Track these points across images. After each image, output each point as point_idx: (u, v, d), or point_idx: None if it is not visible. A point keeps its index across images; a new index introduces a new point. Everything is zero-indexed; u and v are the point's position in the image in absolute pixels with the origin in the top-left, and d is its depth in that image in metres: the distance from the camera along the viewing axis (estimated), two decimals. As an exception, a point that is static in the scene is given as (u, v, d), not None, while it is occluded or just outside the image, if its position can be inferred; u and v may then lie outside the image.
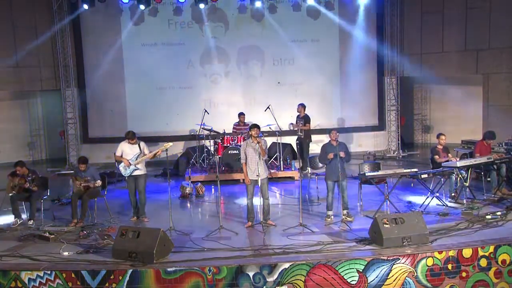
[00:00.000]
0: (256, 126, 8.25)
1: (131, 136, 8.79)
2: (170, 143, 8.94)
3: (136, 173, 8.77)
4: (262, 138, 8.86)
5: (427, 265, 6.65)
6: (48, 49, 14.61)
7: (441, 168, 9.08)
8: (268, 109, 11.79)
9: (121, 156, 8.79)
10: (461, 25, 13.89)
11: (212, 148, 12.72)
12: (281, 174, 11.78)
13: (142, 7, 13.91)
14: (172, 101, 14.92)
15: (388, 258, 6.59)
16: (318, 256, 6.68)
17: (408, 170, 8.89)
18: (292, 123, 12.40)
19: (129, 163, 8.69)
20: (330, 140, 8.47)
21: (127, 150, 8.79)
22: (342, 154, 8.24)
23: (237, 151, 11.25)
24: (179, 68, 14.87)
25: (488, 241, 7.00)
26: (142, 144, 8.88)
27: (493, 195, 9.42)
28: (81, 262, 6.72)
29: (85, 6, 13.78)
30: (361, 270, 6.52)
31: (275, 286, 6.45)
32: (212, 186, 10.70)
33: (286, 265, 6.46)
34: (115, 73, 14.80)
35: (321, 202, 9.43)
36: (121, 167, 8.83)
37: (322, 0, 14.60)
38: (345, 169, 8.51)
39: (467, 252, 6.73)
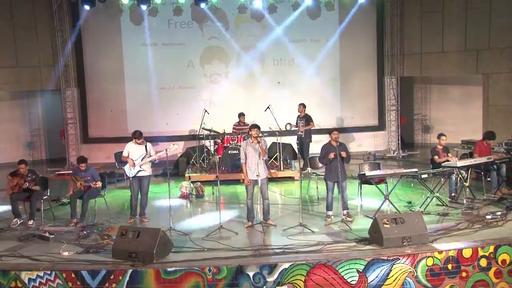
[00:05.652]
0: (256, 126, 8.25)
1: (138, 136, 8.77)
2: (176, 145, 8.98)
3: (141, 174, 8.76)
4: (262, 138, 8.84)
5: (427, 265, 6.65)
6: (48, 49, 14.60)
7: (441, 168, 9.08)
8: (268, 109, 11.78)
9: (127, 156, 8.78)
10: (461, 25, 13.89)
11: (212, 148, 12.72)
12: (281, 174, 11.78)
13: (143, 7, 13.89)
14: (172, 101, 14.93)
15: (388, 258, 6.60)
16: (318, 256, 6.69)
17: (408, 170, 8.90)
18: (289, 123, 12.37)
19: (134, 163, 8.68)
20: (330, 141, 8.47)
21: (133, 150, 8.78)
22: (343, 154, 8.24)
23: (237, 151, 11.24)
24: (179, 68, 14.86)
25: (488, 241, 7.00)
26: (148, 145, 8.87)
27: (493, 195, 9.41)
28: (81, 262, 6.72)
29: (87, 7, 13.82)
30: (361, 270, 6.52)
31: (275, 286, 6.45)
32: (212, 186, 10.70)
33: (286, 265, 6.46)
34: (115, 73, 14.80)
35: (321, 202, 9.43)
36: (126, 167, 8.82)
37: (322, 0, 14.63)
38: (345, 169, 8.50)
39: (467, 252, 6.73)
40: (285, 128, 12.37)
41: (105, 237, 7.60)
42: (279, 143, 11.98)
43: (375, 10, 15.07)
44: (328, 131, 8.56)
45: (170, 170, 11.14)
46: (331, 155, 8.24)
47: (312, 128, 12.42)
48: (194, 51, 14.87)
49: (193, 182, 10.80)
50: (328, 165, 8.42)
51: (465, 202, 8.93)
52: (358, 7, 14.67)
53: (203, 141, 12.64)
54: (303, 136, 12.25)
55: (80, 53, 14.72)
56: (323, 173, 8.90)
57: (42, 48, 14.57)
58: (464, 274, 6.72)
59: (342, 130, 14.47)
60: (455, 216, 8.29)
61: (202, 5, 13.89)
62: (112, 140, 14.45)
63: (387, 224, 7.02)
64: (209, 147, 12.70)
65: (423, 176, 8.90)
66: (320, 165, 10.00)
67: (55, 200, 10.05)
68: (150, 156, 8.77)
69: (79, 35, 14.61)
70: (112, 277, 6.44)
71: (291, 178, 11.76)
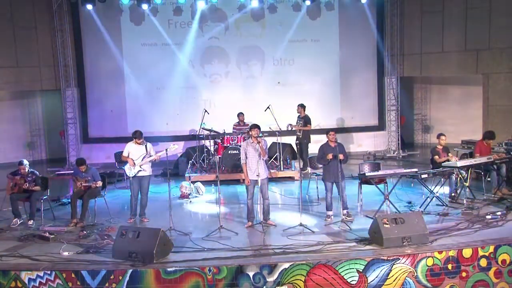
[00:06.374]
0: (256, 126, 8.25)
1: (138, 136, 8.78)
2: (176, 145, 8.99)
3: (141, 174, 8.76)
4: (262, 138, 8.84)
5: (427, 265, 6.65)
6: (48, 49, 14.61)
7: (441, 168, 9.08)
8: (268, 109, 11.78)
9: (128, 156, 8.78)
10: (461, 25, 13.88)
11: (212, 148, 12.72)
12: (281, 174, 11.78)
13: (144, 7, 13.89)
14: (172, 101, 14.93)
15: (388, 258, 6.59)
16: (318, 256, 6.69)
17: (408, 170, 8.90)
18: (290, 124, 12.39)
19: (134, 163, 8.68)
20: (327, 141, 8.45)
21: (133, 150, 8.79)
22: (341, 156, 8.23)
23: (237, 151, 11.24)
24: (179, 68, 14.86)
25: (488, 241, 7.00)
26: (149, 145, 8.89)
27: (493, 195, 9.41)
28: (81, 262, 6.72)
29: (89, 7, 13.83)
30: (361, 270, 6.52)
31: (275, 286, 6.45)
32: (212, 186, 10.69)
33: (286, 265, 6.46)
34: (115, 73, 14.81)
35: (321, 202, 9.42)
36: (126, 167, 8.83)
37: (322, 0, 14.63)
38: (343, 169, 8.48)
39: (467, 252, 6.73)
40: (287, 128, 12.38)
41: (105, 237, 7.60)
42: (279, 143, 11.98)
43: (375, 10, 15.07)
44: (328, 132, 8.54)
45: (170, 170, 11.13)
46: (329, 156, 8.23)
47: (311, 129, 12.41)
48: (194, 51, 14.86)
49: (193, 182, 10.80)
50: (326, 166, 8.42)
51: (465, 202, 8.93)
52: (358, 7, 14.67)
53: (203, 141, 12.64)
54: (301, 136, 12.25)
55: (80, 53, 14.71)
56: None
57: (42, 48, 14.57)
58: (464, 274, 6.72)
59: (342, 130, 14.54)
60: (455, 216, 8.29)
61: (202, 3, 13.86)
62: (112, 140, 14.46)
63: (387, 224, 7.02)
64: (209, 147, 12.70)
65: (423, 176, 8.89)
66: (319, 165, 9.99)
67: (55, 200, 10.07)
68: (150, 156, 8.78)
69: (79, 35, 14.61)
70: (112, 277, 6.44)
71: (291, 178, 11.76)
